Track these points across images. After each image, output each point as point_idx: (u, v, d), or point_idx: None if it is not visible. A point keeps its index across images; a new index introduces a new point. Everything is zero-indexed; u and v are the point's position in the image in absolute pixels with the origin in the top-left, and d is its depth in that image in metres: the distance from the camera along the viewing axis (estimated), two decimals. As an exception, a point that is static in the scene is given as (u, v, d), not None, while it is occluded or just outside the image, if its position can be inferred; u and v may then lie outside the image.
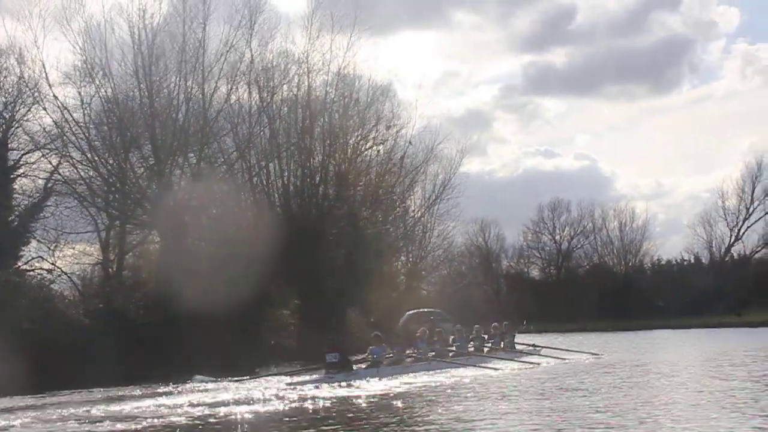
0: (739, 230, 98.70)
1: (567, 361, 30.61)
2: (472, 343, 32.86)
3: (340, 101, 49.10)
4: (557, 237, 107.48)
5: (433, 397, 20.26)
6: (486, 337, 34.35)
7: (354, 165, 50.47)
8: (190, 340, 33.00)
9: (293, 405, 19.32)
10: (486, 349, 32.73)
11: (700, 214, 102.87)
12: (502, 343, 34.01)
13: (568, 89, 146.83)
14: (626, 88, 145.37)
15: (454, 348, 31.49)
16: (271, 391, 21.92)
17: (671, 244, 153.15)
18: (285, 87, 46.51)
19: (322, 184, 47.89)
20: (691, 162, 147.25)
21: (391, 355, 28.14)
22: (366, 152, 51.75)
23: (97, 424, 16.82)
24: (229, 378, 25.93)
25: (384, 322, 55.97)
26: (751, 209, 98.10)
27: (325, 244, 45.61)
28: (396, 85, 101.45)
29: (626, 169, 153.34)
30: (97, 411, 18.85)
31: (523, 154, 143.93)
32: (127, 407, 19.27)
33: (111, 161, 40.47)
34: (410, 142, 55.44)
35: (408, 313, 58.33)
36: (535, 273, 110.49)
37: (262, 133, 45.85)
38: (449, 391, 21.74)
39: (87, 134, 39.83)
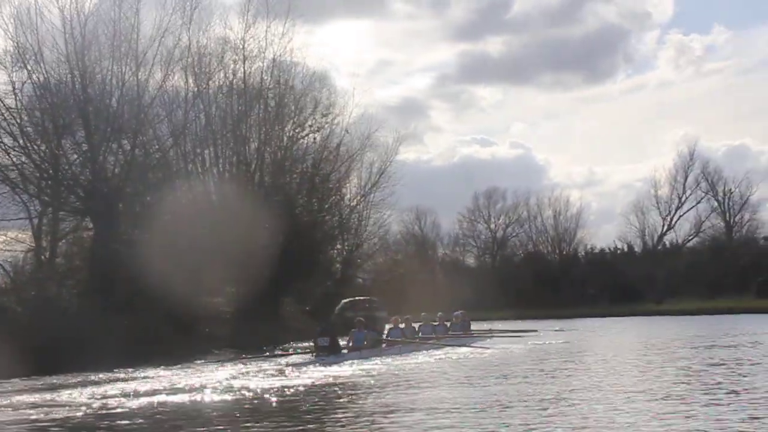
0: (672, 219, 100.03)
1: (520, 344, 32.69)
2: (434, 329, 34.75)
3: (276, 88, 48.97)
4: (492, 225, 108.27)
5: (403, 375, 22.33)
6: (448, 324, 36.21)
7: (290, 153, 50.38)
8: (124, 329, 32.74)
9: (292, 383, 20.83)
10: (449, 335, 34.70)
11: (633, 203, 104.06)
12: (462, 329, 36.06)
13: (503, 78, 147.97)
14: (561, 78, 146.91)
15: (421, 333, 33.63)
16: (270, 372, 24.18)
17: (604, 232, 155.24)
18: (221, 74, 46.33)
19: (258, 171, 47.75)
20: (624, 151, 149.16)
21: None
22: (302, 140, 51.67)
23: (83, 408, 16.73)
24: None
25: (319, 310, 56.11)
26: (684, 198, 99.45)
27: (260, 232, 45.42)
28: (332, 73, 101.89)
29: (560, 158, 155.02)
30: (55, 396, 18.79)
31: (459, 143, 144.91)
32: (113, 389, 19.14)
33: (43, 147, 39.94)
34: (347, 131, 55.40)
35: (343, 301, 58.40)
36: (470, 261, 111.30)
37: (197, 119, 45.60)
38: (419, 368, 24.33)
39: (19, 120, 39.19)
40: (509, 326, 41.30)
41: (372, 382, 20.83)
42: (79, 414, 16.24)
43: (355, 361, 26.77)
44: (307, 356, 28.51)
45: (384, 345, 30.76)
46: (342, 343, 29.73)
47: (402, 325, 33.22)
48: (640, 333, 43.62)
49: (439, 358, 27.26)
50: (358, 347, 29.12)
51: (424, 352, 29.72)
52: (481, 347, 30.47)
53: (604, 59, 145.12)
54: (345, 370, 24.08)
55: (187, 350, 32.65)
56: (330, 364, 25.83)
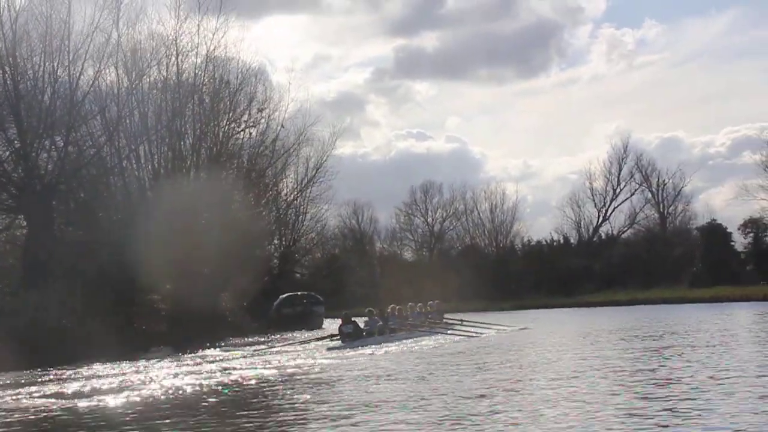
0: (606, 211, 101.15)
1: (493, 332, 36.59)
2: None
3: (210, 84, 48.79)
4: (429, 219, 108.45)
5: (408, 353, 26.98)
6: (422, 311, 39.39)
7: (225, 148, 50.21)
8: (60, 327, 32.47)
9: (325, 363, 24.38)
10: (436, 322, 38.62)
11: (568, 195, 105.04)
12: (438, 317, 39.70)
13: (439, 72, 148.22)
14: (495, 72, 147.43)
15: (412, 321, 37.28)
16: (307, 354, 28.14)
17: (540, 225, 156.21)
18: (154, 69, 46.01)
19: (194, 167, 47.53)
20: (558, 144, 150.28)
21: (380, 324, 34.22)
22: (238, 135, 51.56)
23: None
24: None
25: (257, 305, 56.02)
26: (618, 190, 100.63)
27: (196, 228, 45.22)
28: (268, 68, 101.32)
29: (495, 151, 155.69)
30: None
31: (395, 137, 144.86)
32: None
33: (-26, 145, 39.51)
34: (282, 126, 55.34)
35: (281, 297, 58.46)
36: (408, 255, 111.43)
37: (131, 115, 45.23)
38: (425, 348, 28.99)
39: (-51, 117, 38.77)
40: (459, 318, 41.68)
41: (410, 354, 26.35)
42: (33, 416, 15.89)
43: (375, 344, 30.74)
44: (336, 341, 32.46)
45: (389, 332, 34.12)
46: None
47: (387, 314, 35.78)
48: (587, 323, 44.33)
49: (440, 341, 32.00)
50: (372, 332, 32.95)
51: (426, 337, 34.10)
52: (469, 334, 34.67)
53: (537, 53, 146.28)
54: (372, 350, 28.61)
55: (123, 347, 32.40)
56: (356, 347, 29.87)
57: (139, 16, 44.83)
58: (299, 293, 61.00)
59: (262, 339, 41.46)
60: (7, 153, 40.91)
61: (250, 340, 40.85)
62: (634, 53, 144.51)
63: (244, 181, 51.94)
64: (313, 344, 33.84)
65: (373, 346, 30.25)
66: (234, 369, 23.51)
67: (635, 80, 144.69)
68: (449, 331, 35.82)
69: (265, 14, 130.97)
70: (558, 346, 27.14)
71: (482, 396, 15.29)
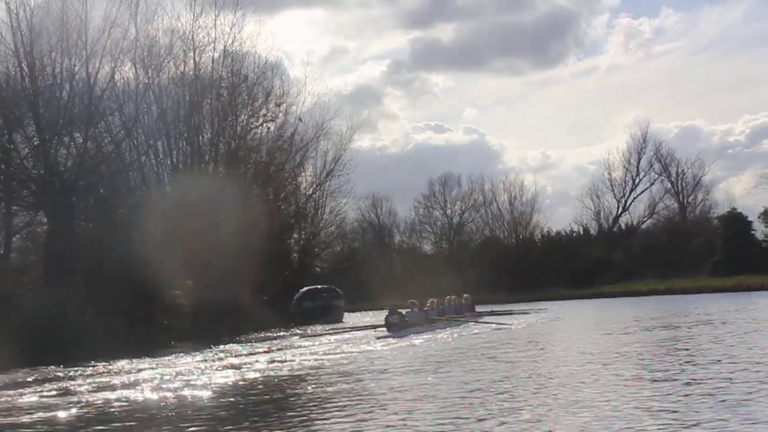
0: (626, 201, 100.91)
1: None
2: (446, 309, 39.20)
3: (228, 78, 48.74)
4: (448, 211, 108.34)
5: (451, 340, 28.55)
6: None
7: (244, 142, 50.20)
8: (82, 324, 32.47)
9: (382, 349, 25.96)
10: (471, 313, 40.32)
11: (587, 185, 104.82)
12: (469, 310, 41.15)
13: (456, 64, 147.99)
14: (512, 63, 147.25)
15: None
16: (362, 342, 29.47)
17: (560, 215, 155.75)
18: (171, 64, 45.98)
19: (212, 162, 47.51)
20: (576, 134, 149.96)
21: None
22: (256, 129, 51.53)
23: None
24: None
25: (278, 300, 56.03)
26: (637, 180, 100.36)
27: (215, 223, 45.21)
28: (285, 62, 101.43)
29: (514, 142, 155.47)
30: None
31: (413, 129, 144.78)
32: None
33: (-6, 142, 39.51)
34: (300, 119, 55.38)
35: (301, 290, 58.46)
36: (427, 247, 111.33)
37: (149, 111, 45.19)
38: (463, 337, 30.21)
39: (-32, 115, 38.76)
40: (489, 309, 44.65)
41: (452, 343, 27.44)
42: (64, 414, 15.33)
43: (419, 333, 32.10)
44: (382, 331, 33.69)
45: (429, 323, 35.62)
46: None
47: (426, 307, 37.48)
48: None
49: (476, 331, 32.59)
50: (414, 323, 34.30)
51: (463, 326, 35.68)
52: (500, 323, 35.43)
53: (554, 44, 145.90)
54: (420, 339, 29.68)
55: (148, 343, 32.42)
56: (402, 336, 31.17)
57: (156, 12, 44.82)
58: (319, 287, 61.00)
59: (284, 333, 41.41)
60: (27, 150, 40.91)
61: (282, 332, 41.79)
62: (652, 42, 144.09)
63: (262, 176, 51.96)
64: (361, 333, 35.47)
65: (420, 335, 31.53)
66: (286, 360, 23.67)
67: (653, 69, 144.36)
68: (484, 321, 37.11)
69: (281, 9, 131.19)
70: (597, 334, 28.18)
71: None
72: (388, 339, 30.40)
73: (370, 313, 68.44)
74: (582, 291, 78.92)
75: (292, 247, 68.59)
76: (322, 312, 55.14)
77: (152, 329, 38.08)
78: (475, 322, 37.30)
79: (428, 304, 37.65)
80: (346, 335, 34.98)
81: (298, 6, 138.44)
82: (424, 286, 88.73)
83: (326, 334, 36.78)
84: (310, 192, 65.89)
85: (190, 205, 42.99)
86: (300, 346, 29.68)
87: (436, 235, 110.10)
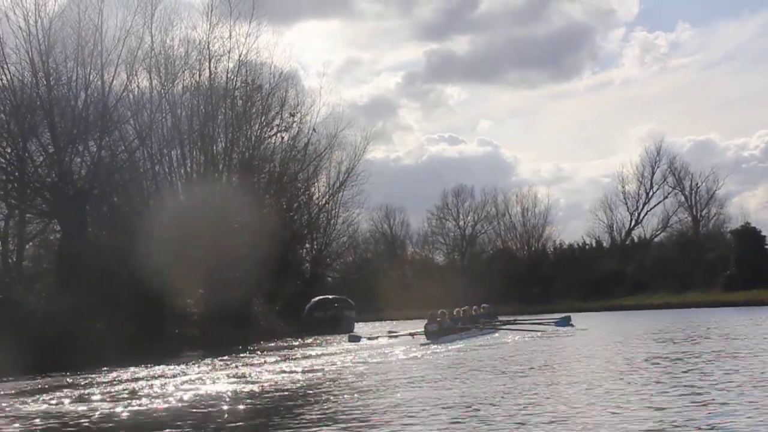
0: (639, 214, 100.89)
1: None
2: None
3: (243, 88, 48.82)
4: (461, 223, 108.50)
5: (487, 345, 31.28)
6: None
7: (258, 152, 50.27)
8: (93, 332, 32.57)
9: (416, 356, 27.34)
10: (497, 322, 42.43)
11: (600, 198, 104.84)
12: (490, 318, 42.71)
13: (470, 76, 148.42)
14: (527, 75, 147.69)
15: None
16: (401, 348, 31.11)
17: (572, 228, 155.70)
18: (186, 74, 46.11)
19: (226, 171, 47.58)
20: (591, 147, 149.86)
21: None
22: (270, 139, 51.60)
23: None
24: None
25: (289, 309, 56.08)
26: (651, 194, 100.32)
27: (228, 232, 45.29)
28: (300, 73, 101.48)
29: (527, 155, 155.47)
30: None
31: (428, 141, 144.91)
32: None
33: (9, 150, 39.61)
34: (314, 130, 55.43)
35: (313, 300, 58.51)
36: (440, 259, 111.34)
37: (163, 120, 45.32)
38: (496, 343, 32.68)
39: (-17, 123, 38.92)
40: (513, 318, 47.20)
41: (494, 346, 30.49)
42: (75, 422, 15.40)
43: (456, 341, 34.10)
44: (421, 338, 35.81)
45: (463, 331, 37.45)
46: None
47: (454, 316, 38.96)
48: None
49: (509, 339, 34.69)
50: (449, 331, 36.01)
51: (495, 334, 37.75)
52: (530, 330, 38.27)
53: (569, 57, 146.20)
54: (459, 345, 32.04)
55: (158, 351, 32.49)
56: (443, 342, 33.18)
57: (171, 21, 44.97)
58: (330, 297, 61.04)
59: (296, 342, 41.49)
60: (41, 158, 41.09)
61: (298, 341, 42.78)
62: (667, 56, 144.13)
63: (275, 185, 52.01)
64: (400, 339, 37.54)
65: (459, 341, 33.79)
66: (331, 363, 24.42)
67: (668, 83, 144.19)
68: (515, 329, 39.38)
69: (297, 20, 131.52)
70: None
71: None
72: (431, 345, 32.31)
73: (382, 323, 68.38)
74: (594, 304, 78.78)
75: (304, 257, 68.72)
76: (333, 322, 55.18)
77: (163, 337, 38.14)
78: (506, 329, 39.61)
79: (454, 313, 38.98)
80: (393, 340, 37.81)
81: (314, 17, 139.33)
82: (436, 297, 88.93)
83: (373, 338, 39.90)
84: (323, 202, 66.07)
85: (203, 214, 43.11)
86: (335, 353, 30.88)
87: (448, 247, 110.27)
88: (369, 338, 40.08)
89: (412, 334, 37.73)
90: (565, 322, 40.44)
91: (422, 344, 32.89)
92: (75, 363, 27.72)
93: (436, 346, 31.77)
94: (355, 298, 63.38)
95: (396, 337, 38.90)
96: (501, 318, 44.90)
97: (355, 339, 39.64)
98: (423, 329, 36.27)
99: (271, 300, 55.73)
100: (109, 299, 34.76)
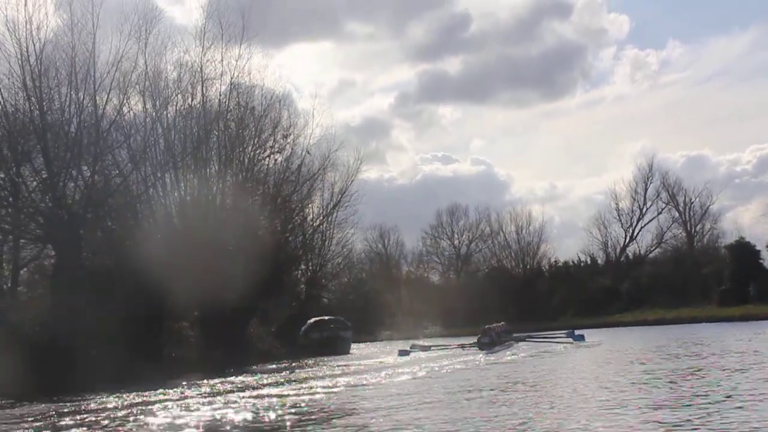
0: (633, 231, 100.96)
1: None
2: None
3: (235, 110, 48.87)
4: (456, 241, 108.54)
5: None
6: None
7: (251, 174, 50.26)
8: (89, 356, 32.50)
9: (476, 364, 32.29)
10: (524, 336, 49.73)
11: (594, 216, 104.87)
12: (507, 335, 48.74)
13: (463, 96, 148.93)
14: (519, 94, 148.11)
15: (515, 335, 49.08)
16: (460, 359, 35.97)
17: (567, 246, 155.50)
18: (179, 97, 46.14)
19: (219, 194, 47.56)
20: (584, 164, 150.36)
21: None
22: (263, 161, 51.59)
23: None
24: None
25: (285, 331, 56.00)
26: (644, 210, 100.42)
27: (223, 254, 45.25)
28: (294, 95, 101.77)
29: (521, 173, 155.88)
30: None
31: (421, 161, 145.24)
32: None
33: (2, 175, 39.59)
34: (308, 151, 55.32)
35: (309, 322, 58.38)
36: (435, 278, 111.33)
37: (156, 144, 45.33)
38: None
39: (-24, 149, 38.85)
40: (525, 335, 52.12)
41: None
42: None
43: (503, 351, 40.59)
44: (474, 348, 42.49)
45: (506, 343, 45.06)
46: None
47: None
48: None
49: (543, 349, 40.32)
50: (495, 343, 42.72)
51: (526, 346, 44.44)
52: (559, 342, 44.17)
53: (561, 75, 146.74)
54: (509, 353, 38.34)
55: (154, 374, 32.41)
56: (495, 352, 39.47)
57: (164, 45, 45.03)
58: (326, 318, 60.90)
59: (295, 363, 41.41)
60: (35, 183, 41.03)
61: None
62: (658, 73, 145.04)
63: (270, 207, 51.94)
64: (456, 350, 43.89)
65: (507, 351, 40.12)
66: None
67: (659, 100, 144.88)
68: (544, 341, 46.11)
69: (288, 42, 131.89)
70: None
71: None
72: (488, 355, 38.05)
73: (379, 344, 68.41)
74: (590, 320, 78.72)
75: (299, 278, 68.56)
76: (329, 343, 55.10)
77: (159, 360, 38.08)
78: (535, 341, 46.88)
79: (486, 328, 44.51)
80: (449, 351, 43.90)
81: (304, 40, 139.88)
82: (432, 316, 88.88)
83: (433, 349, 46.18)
84: (317, 223, 65.89)
85: (198, 236, 43.10)
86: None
87: (443, 266, 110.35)
88: (422, 349, 46.26)
89: (462, 346, 44.51)
90: (580, 338, 44.40)
91: (484, 353, 39.72)
92: (70, 388, 27.63)
93: (491, 356, 37.50)
94: (351, 319, 63.33)
95: (446, 348, 45.18)
96: (515, 334, 49.93)
97: (405, 353, 43.48)
98: (476, 341, 43.05)
99: (266, 322, 55.66)
100: (105, 323, 34.68)
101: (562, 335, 46.58)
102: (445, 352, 43.27)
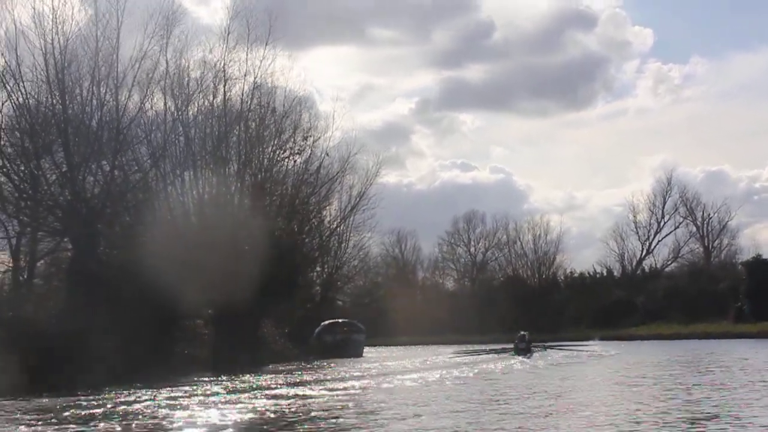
0: (650, 244, 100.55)
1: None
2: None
3: (256, 110, 48.93)
4: (472, 249, 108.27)
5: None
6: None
7: (270, 175, 50.31)
8: (103, 351, 32.57)
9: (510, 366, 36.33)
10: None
11: (612, 227, 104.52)
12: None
13: (484, 104, 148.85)
14: (540, 104, 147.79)
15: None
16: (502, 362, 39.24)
17: (583, 257, 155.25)
18: (201, 95, 46.20)
19: (238, 193, 47.62)
20: (603, 176, 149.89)
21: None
22: (282, 162, 51.64)
23: None
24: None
25: (299, 332, 56.01)
26: (662, 224, 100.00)
27: (239, 254, 45.28)
28: (315, 97, 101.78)
29: (540, 183, 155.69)
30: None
31: (440, 167, 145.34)
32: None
33: (23, 167, 39.75)
34: (327, 153, 55.39)
35: (322, 324, 58.40)
36: (450, 284, 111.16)
37: (176, 141, 45.42)
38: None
39: (-2, 140, 38.99)
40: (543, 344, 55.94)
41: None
42: None
43: (535, 356, 44.27)
44: (505, 354, 46.16)
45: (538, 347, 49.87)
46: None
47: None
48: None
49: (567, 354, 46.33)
50: (529, 349, 46.31)
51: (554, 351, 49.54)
52: (587, 351, 48.00)
53: (583, 86, 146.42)
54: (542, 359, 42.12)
55: (165, 370, 32.48)
56: (530, 357, 43.03)
57: (188, 44, 45.10)
58: (340, 321, 60.93)
59: (307, 365, 41.43)
60: (54, 176, 41.14)
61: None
62: (681, 87, 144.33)
63: (287, 208, 51.99)
64: (494, 355, 46.55)
65: (538, 356, 43.83)
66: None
67: (681, 114, 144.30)
68: (574, 349, 49.83)
69: (312, 46, 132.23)
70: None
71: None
72: (524, 359, 41.27)
73: (392, 348, 68.36)
74: (605, 332, 78.44)
75: (314, 280, 68.61)
76: (342, 346, 55.10)
77: (172, 358, 38.17)
78: (559, 348, 51.00)
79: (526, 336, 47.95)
80: (488, 356, 46.05)
81: (328, 43, 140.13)
82: (447, 323, 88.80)
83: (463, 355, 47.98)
84: (335, 226, 66.01)
85: (215, 235, 43.15)
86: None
87: (459, 272, 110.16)
88: (465, 353, 48.72)
89: (497, 352, 48.27)
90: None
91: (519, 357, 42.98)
92: (84, 382, 27.71)
93: (528, 359, 41.17)
94: (365, 322, 63.33)
95: (482, 354, 47.75)
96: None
97: (453, 357, 46.38)
98: (513, 347, 47.21)
99: (280, 322, 55.66)
100: (120, 318, 34.76)
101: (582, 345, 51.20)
102: (483, 357, 45.84)
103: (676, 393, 20.93)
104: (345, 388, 25.35)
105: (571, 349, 49.99)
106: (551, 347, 52.72)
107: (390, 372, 34.11)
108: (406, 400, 21.25)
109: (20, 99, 39.14)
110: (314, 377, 31.86)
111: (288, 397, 22.53)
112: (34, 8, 38.96)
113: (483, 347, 55.21)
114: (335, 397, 22.39)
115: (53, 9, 38.89)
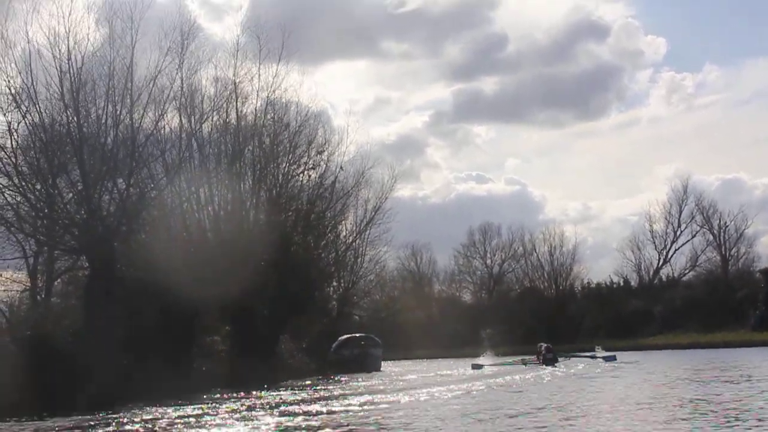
0: (667, 253, 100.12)
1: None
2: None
3: (270, 126, 49.03)
4: (488, 261, 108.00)
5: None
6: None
7: (285, 190, 50.39)
8: (121, 369, 32.61)
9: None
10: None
11: (628, 237, 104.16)
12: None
13: (498, 116, 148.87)
14: (554, 115, 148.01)
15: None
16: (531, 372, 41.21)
17: (600, 267, 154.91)
18: (214, 113, 46.29)
19: (253, 209, 47.68)
20: (618, 186, 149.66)
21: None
22: (297, 177, 51.70)
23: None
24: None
25: (316, 347, 55.99)
26: (679, 233, 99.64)
27: (256, 270, 45.30)
28: (329, 111, 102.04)
29: (555, 193, 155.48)
30: None
31: (455, 179, 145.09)
32: None
33: (39, 187, 39.74)
34: (341, 168, 55.39)
35: (340, 339, 58.37)
36: (467, 297, 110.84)
37: (191, 158, 45.52)
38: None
39: (14, 160, 38.94)
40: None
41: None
42: None
43: (559, 364, 47.21)
44: (535, 363, 47.96)
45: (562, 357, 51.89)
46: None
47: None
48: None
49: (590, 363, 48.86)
50: (554, 359, 48.42)
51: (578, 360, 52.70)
52: (608, 360, 49.36)
53: (596, 97, 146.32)
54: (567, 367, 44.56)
55: (183, 387, 32.47)
56: (555, 365, 45.83)
57: (201, 61, 45.18)
58: (357, 335, 60.88)
59: (321, 380, 41.36)
60: (70, 195, 41.15)
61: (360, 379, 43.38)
62: (694, 96, 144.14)
63: (303, 223, 52.05)
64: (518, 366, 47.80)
65: (562, 365, 46.36)
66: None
67: (695, 122, 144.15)
68: (595, 358, 51.76)
69: (326, 61, 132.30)
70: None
71: None
72: (548, 367, 44.02)
73: (409, 362, 68.24)
74: (623, 342, 78.17)
75: (331, 295, 68.60)
76: (359, 360, 55.01)
77: (190, 374, 38.17)
78: (578, 358, 53.44)
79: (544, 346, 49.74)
80: (509, 368, 47.27)
81: (341, 58, 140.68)
82: (464, 336, 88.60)
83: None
84: (350, 240, 65.91)
85: (231, 251, 43.18)
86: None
87: (475, 285, 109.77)
88: (491, 365, 50.53)
89: (524, 362, 49.27)
90: (612, 358, 49.39)
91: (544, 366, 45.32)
92: (102, 401, 27.70)
93: (551, 368, 43.51)
94: (382, 336, 63.23)
95: (509, 364, 49.29)
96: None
97: (478, 367, 48.02)
98: (537, 357, 48.78)
99: (297, 338, 55.67)
100: (137, 336, 34.79)
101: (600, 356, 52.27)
102: (513, 367, 47.54)
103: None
104: (386, 402, 25.22)
105: (590, 359, 51.92)
106: (574, 356, 55.31)
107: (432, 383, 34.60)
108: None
109: (35, 118, 39.21)
110: (336, 392, 31.78)
111: (310, 414, 22.46)
112: (49, 28, 39.07)
113: (505, 359, 55.96)
114: (373, 411, 22.29)
115: (68, 28, 38.96)
